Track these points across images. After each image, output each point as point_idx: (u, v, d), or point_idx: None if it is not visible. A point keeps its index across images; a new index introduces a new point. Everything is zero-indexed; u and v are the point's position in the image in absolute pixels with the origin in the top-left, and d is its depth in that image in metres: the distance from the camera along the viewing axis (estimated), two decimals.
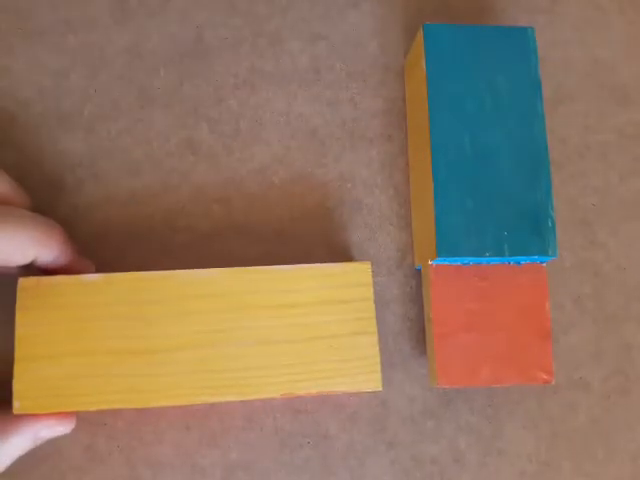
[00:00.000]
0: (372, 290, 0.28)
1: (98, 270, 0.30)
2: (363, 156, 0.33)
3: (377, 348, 0.28)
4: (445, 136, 0.30)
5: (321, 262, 0.32)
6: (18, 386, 0.26)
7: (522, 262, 0.30)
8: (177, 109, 0.32)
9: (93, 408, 0.26)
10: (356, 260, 0.32)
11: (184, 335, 0.27)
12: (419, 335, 0.32)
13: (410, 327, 0.32)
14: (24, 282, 0.27)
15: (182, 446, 0.30)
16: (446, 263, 0.30)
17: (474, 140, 0.30)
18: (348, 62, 0.34)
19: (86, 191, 0.31)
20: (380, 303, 0.31)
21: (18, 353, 0.26)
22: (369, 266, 0.29)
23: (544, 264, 0.30)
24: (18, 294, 0.26)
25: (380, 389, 0.27)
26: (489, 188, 0.29)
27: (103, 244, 0.31)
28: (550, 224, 0.29)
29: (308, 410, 0.30)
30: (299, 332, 0.27)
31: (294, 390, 0.27)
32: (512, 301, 0.30)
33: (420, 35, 0.31)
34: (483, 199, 0.29)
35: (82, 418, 0.29)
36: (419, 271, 0.32)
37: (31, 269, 0.27)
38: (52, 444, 0.29)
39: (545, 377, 0.29)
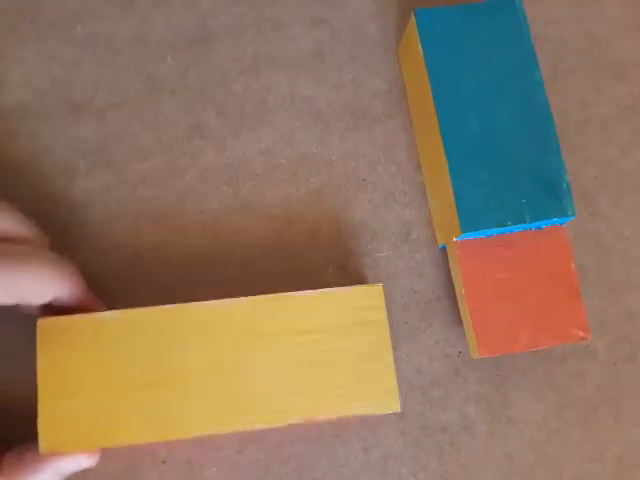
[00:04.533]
0: (385, 312, 0.28)
1: (113, 250, 0.31)
2: (366, 135, 0.34)
3: (393, 369, 0.28)
4: (452, 117, 0.30)
5: (329, 240, 0.33)
6: (43, 426, 0.26)
7: (543, 226, 0.31)
8: (184, 95, 0.34)
9: (118, 444, 0.26)
10: (367, 282, 0.32)
11: (204, 365, 0.27)
12: (425, 308, 0.32)
13: (416, 300, 0.32)
14: (43, 323, 0.27)
15: None
16: (470, 238, 0.30)
17: (480, 116, 0.31)
18: (349, 45, 0.35)
19: (98, 176, 0.32)
20: (386, 277, 0.32)
21: (41, 393, 0.26)
22: (381, 289, 0.29)
23: (564, 225, 0.31)
24: (38, 335, 0.26)
25: (398, 410, 0.28)
26: (502, 160, 0.30)
27: (115, 226, 0.32)
28: (565, 186, 0.30)
29: None
30: (315, 357, 0.27)
31: (313, 414, 0.27)
32: (538, 265, 0.31)
33: (412, 20, 0.32)
34: (497, 171, 0.30)
35: None
36: (444, 249, 0.33)
37: (47, 308, 0.27)
38: None
39: (581, 334, 0.30)
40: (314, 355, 0.28)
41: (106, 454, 0.29)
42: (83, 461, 0.27)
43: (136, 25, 0.34)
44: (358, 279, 0.32)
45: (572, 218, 0.30)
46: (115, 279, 0.31)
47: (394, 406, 0.28)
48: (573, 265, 0.31)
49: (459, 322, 0.32)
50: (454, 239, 0.30)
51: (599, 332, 0.33)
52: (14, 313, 0.28)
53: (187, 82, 0.34)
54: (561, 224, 0.31)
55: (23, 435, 0.27)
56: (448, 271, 0.32)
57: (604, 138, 0.35)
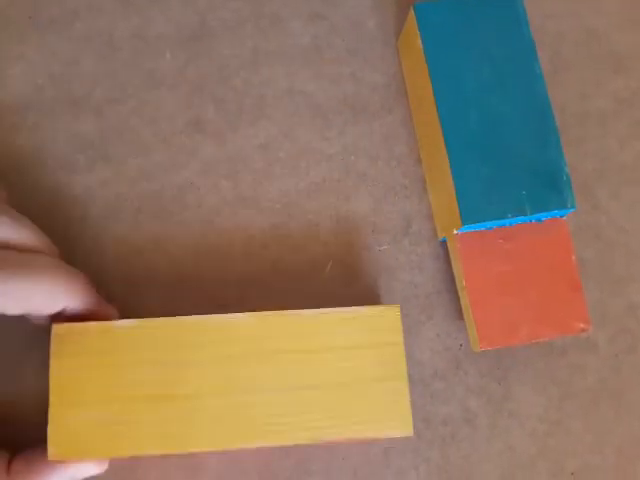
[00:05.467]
0: (401, 334, 0.28)
1: (114, 244, 0.31)
2: (365, 129, 0.34)
3: (407, 393, 0.27)
4: (452, 110, 0.30)
5: (329, 234, 0.33)
6: (52, 433, 0.26)
7: (543, 219, 0.31)
8: (183, 90, 0.34)
9: (125, 455, 0.26)
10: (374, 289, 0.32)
11: (214, 379, 0.27)
12: (426, 301, 0.32)
13: (416, 293, 0.32)
14: (57, 329, 0.27)
15: None
16: (470, 230, 0.30)
17: (480, 109, 0.31)
18: (348, 40, 0.35)
19: (98, 171, 0.32)
20: (386, 270, 0.32)
21: (52, 399, 0.26)
22: (398, 310, 0.28)
23: (564, 218, 0.31)
24: (52, 340, 0.27)
25: (411, 434, 0.27)
26: (501, 152, 0.30)
27: (115, 221, 0.32)
28: (565, 178, 0.30)
29: None
30: (328, 377, 0.27)
31: (322, 436, 0.27)
32: (539, 258, 0.31)
33: (412, 15, 0.32)
34: (498, 164, 0.30)
35: None
36: (444, 243, 0.33)
37: (59, 316, 0.27)
38: None
39: (582, 326, 0.30)
40: (326, 374, 0.27)
41: None
42: (91, 469, 0.27)
43: (135, 21, 0.34)
44: (358, 273, 0.32)
45: (572, 210, 0.30)
46: (115, 273, 0.31)
47: (407, 429, 0.27)
48: (574, 257, 0.31)
49: (459, 315, 0.32)
50: (454, 232, 0.30)
51: (600, 325, 0.33)
52: (25, 321, 0.28)
53: (186, 77, 0.34)
54: (561, 216, 0.31)
55: (32, 440, 0.27)
56: (448, 264, 0.32)
57: (603, 131, 0.35)
